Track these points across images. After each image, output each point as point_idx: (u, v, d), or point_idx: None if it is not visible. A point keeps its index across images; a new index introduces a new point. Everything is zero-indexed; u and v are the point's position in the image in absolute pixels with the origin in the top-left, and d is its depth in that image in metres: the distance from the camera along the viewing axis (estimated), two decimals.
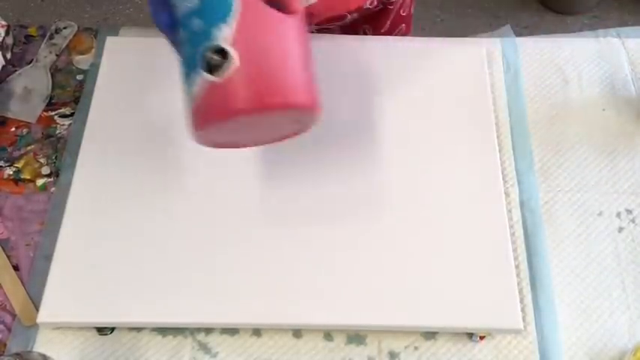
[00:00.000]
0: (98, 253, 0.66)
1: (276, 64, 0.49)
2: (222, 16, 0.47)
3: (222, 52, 0.47)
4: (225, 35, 0.47)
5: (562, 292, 0.66)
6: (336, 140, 0.71)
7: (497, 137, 0.74)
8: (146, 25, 0.76)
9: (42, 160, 0.74)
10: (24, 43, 0.84)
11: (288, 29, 0.51)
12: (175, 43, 0.52)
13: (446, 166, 0.71)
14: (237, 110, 0.48)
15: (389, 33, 0.89)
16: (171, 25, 0.52)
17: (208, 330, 0.64)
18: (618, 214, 0.71)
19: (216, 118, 0.49)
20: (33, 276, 0.67)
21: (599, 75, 0.81)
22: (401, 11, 0.89)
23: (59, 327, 0.64)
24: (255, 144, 0.60)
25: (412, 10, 0.92)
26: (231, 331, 0.64)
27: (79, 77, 0.81)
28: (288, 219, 0.67)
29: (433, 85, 0.76)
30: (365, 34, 0.89)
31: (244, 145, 0.59)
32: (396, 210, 0.68)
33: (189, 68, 0.49)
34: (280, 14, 0.50)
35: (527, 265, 0.67)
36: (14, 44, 0.83)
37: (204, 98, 0.48)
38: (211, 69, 0.47)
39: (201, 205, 0.68)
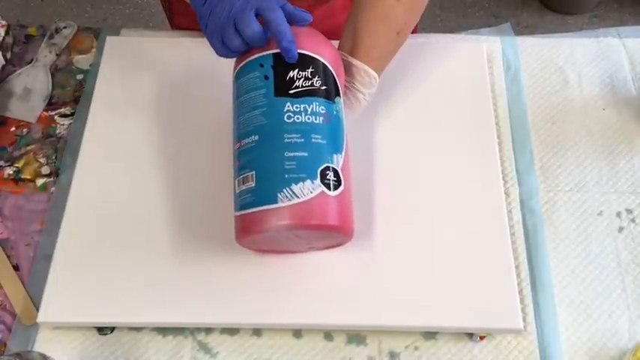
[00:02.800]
0: (98, 253, 0.66)
1: (350, 198, 0.60)
2: (340, 147, 0.59)
3: (337, 175, 0.57)
4: (340, 163, 0.58)
5: (562, 292, 0.66)
6: None
7: (498, 137, 0.74)
8: (146, 25, 0.76)
9: (42, 160, 0.74)
10: (24, 42, 0.84)
11: (349, 167, 0.61)
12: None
13: (446, 165, 0.71)
14: (338, 225, 0.57)
15: None
16: None
17: (208, 330, 0.64)
18: (618, 214, 0.71)
19: (320, 223, 0.57)
20: (33, 276, 0.67)
21: (599, 75, 0.81)
22: None
23: (59, 327, 0.64)
24: (286, 252, 0.65)
25: None
26: (231, 331, 0.64)
27: (79, 77, 0.81)
28: None
29: (433, 85, 0.76)
30: None
31: (277, 251, 0.65)
32: (396, 210, 0.68)
33: (304, 172, 0.56)
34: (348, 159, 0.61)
35: (528, 265, 0.67)
36: (14, 44, 0.83)
37: (311, 203, 0.56)
38: (326, 183, 0.57)
39: (201, 205, 0.68)
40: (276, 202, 0.55)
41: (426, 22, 1.86)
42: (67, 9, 1.92)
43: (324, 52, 0.61)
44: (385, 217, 0.67)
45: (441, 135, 0.72)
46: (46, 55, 0.82)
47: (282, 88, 0.58)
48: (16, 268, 0.68)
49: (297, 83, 0.58)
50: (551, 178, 0.73)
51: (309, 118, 0.57)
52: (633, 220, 0.71)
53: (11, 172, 0.74)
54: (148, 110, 0.75)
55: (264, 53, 0.59)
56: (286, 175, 0.56)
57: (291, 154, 0.56)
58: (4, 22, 0.83)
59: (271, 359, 0.63)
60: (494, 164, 0.71)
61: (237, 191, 0.58)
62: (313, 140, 0.57)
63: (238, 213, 0.58)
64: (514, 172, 0.73)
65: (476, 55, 0.78)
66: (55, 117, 0.78)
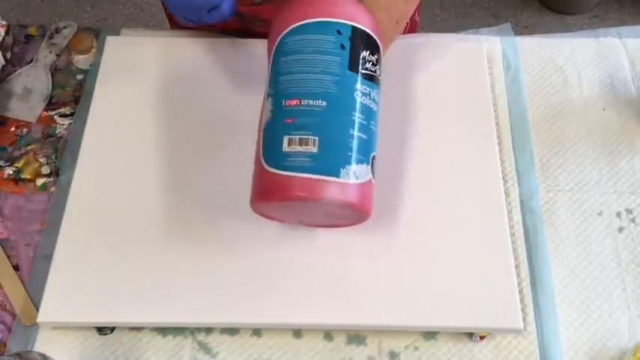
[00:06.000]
0: (98, 253, 0.66)
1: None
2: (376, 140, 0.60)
3: (373, 165, 0.59)
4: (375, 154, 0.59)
5: (562, 292, 0.66)
6: None
7: (498, 137, 0.74)
8: (146, 25, 0.76)
9: (42, 160, 0.74)
10: (24, 42, 0.84)
11: None
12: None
13: (446, 165, 0.70)
14: (365, 209, 0.58)
15: None
16: None
17: (208, 330, 0.64)
18: (618, 214, 0.71)
19: (357, 206, 0.57)
20: (33, 276, 0.67)
21: (599, 75, 0.81)
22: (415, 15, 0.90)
23: (59, 327, 0.64)
24: (296, 222, 0.66)
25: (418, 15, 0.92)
26: (231, 331, 0.64)
27: (79, 77, 0.81)
28: None
29: (433, 85, 0.76)
30: None
31: (284, 221, 0.65)
32: (396, 210, 0.68)
33: (362, 155, 0.57)
34: None
35: (528, 265, 0.67)
36: (14, 44, 0.83)
37: (362, 187, 0.57)
38: (372, 170, 0.59)
39: (201, 205, 0.68)
40: (338, 176, 0.55)
41: (426, 22, 1.87)
42: (67, 9, 1.92)
43: (380, 42, 0.61)
44: (385, 216, 0.67)
45: (441, 135, 0.72)
46: (46, 55, 0.82)
47: (355, 64, 0.58)
48: (16, 268, 0.68)
49: (366, 65, 0.59)
50: (551, 178, 0.73)
51: (371, 103, 0.58)
52: (633, 220, 0.71)
53: (11, 172, 0.74)
54: (148, 110, 0.75)
55: (341, 21, 0.59)
56: (350, 153, 0.56)
57: (357, 133, 0.57)
58: (4, 22, 0.83)
59: (271, 359, 0.63)
60: (494, 164, 0.71)
61: (289, 150, 0.55)
62: (371, 126, 0.58)
63: (286, 173, 0.55)
64: (514, 172, 0.73)
65: (476, 55, 0.78)
66: (55, 117, 0.78)
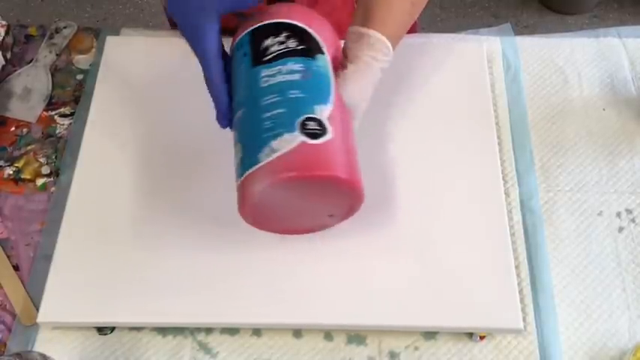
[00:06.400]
0: (98, 253, 0.66)
1: (349, 155, 0.57)
2: (324, 99, 0.57)
3: (320, 125, 0.55)
4: (325, 114, 0.56)
5: (562, 292, 0.66)
6: None
7: (498, 137, 0.74)
8: (146, 25, 0.75)
9: (42, 160, 0.74)
10: (24, 42, 0.84)
11: (352, 132, 0.60)
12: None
13: (446, 165, 0.71)
14: (325, 172, 0.55)
15: None
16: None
17: (208, 330, 0.64)
18: (618, 214, 0.71)
19: (301, 173, 0.54)
20: (33, 276, 0.67)
21: (599, 75, 0.81)
22: None
23: (59, 327, 0.64)
24: (287, 229, 0.65)
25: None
26: (231, 331, 0.64)
27: (79, 77, 0.81)
28: None
29: (433, 85, 0.76)
30: None
31: (276, 227, 0.64)
32: (396, 210, 0.68)
33: (281, 127, 0.55)
34: (349, 118, 0.60)
35: (528, 265, 0.67)
36: (14, 44, 0.83)
37: (295, 155, 0.54)
38: (307, 133, 0.54)
39: (202, 205, 0.68)
40: (257, 162, 0.54)
41: (426, 22, 1.87)
42: (67, 9, 1.92)
43: (298, 17, 0.60)
44: (385, 216, 0.67)
45: (441, 135, 0.72)
46: (46, 55, 0.82)
47: (258, 58, 0.58)
48: (16, 268, 0.68)
49: (271, 49, 0.58)
50: (551, 178, 0.73)
51: (284, 77, 0.57)
52: (633, 220, 0.71)
53: (11, 172, 0.74)
54: (148, 110, 0.75)
55: (242, 34, 0.60)
56: (264, 135, 0.55)
57: (269, 114, 0.55)
58: (4, 22, 0.83)
59: (271, 359, 0.63)
60: (494, 164, 0.71)
61: (234, 168, 0.58)
62: (291, 96, 0.56)
63: (238, 182, 0.57)
64: (514, 172, 0.73)
65: (476, 55, 0.78)
66: (55, 117, 0.78)
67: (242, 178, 0.56)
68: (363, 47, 0.62)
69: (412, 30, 0.91)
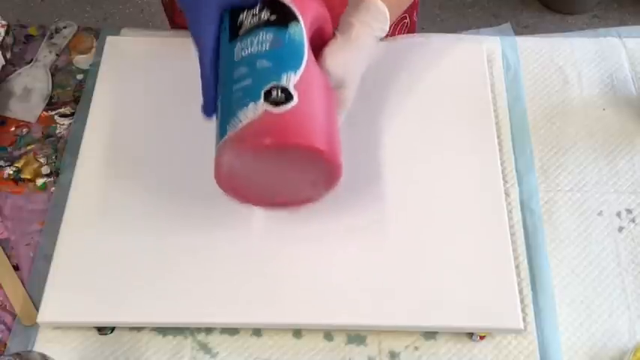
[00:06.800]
0: (98, 253, 0.66)
1: (322, 121, 0.56)
2: (294, 67, 0.55)
3: (286, 93, 0.54)
4: (292, 82, 0.54)
5: (562, 292, 0.66)
6: None
7: (497, 137, 0.73)
8: (146, 25, 0.75)
9: (42, 160, 0.74)
10: (24, 42, 0.84)
11: (331, 103, 0.59)
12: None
13: (446, 165, 0.70)
14: (290, 141, 0.54)
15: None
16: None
17: (208, 330, 0.64)
18: (618, 214, 0.71)
19: (267, 142, 0.54)
20: (33, 276, 0.67)
21: (599, 75, 0.81)
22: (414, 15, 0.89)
23: (59, 327, 0.64)
24: (269, 201, 0.64)
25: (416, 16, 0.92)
26: (231, 331, 0.64)
27: (79, 77, 0.81)
28: (288, 218, 0.67)
29: (433, 85, 0.76)
30: None
31: (258, 200, 0.63)
32: (396, 210, 0.68)
33: (248, 97, 0.54)
34: (330, 91, 0.59)
35: (528, 265, 0.67)
36: (14, 44, 0.83)
37: (258, 123, 0.53)
38: (272, 101, 0.54)
39: (202, 205, 0.68)
40: (225, 133, 0.55)
41: (426, 22, 1.87)
42: (67, 9, 1.93)
43: None
44: (385, 216, 0.67)
45: (441, 135, 0.72)
46: (46, 55, 0.82)
47: (234, 32, 0.58)
48: (16, 268, 0.68)
49: (245, 23, 0.57)
50: (551, 178, 0.73)
51: (254, 49, 0.56)
52: (633, 220, 0.71)
53: (11, 172, 0.74)
54: (148, 110, 0.75)
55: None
56: (234, 106, 0.55)
57: (238, 85, 0.55)
58: (4, 22, 0.83)
59: (271, 359, 0.63)
60: (494, 164, 0.71)
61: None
62: (258, 66, 0.55)
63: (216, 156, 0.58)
64: (514, 172, 0.73)
65: (476, 55, 0.78)
66: (55, 117, 0.78)
67: (215, 154, 0.57)
68: (358, 12, 0.60)
69: (412, 30, 0.91)
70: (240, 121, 0.54)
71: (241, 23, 0.57)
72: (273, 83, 0.54)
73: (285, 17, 0.58)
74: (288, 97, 0.54)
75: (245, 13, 0.58)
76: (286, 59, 0.56)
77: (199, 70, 0.59)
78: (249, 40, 0.56)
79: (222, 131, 0.56)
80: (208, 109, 0.59)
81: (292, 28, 0.57)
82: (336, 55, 0.59)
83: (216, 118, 0.58)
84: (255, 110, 0.53)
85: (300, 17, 0.58)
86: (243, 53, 0.56)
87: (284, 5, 0.58)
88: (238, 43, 0.57)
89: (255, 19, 0.57)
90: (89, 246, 0.66)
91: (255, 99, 0.54)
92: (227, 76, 0.57)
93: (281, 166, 0.57)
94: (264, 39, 0.56)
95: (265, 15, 0.57)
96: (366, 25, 0.60)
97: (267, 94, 0.54)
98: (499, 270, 0.64)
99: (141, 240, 0.66)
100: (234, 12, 0.58)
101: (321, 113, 0.57)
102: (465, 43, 0.81)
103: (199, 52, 0.58)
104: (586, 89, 0.79)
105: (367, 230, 0.66)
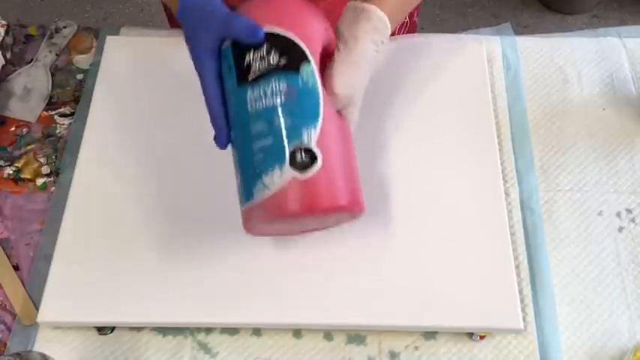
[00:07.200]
0: (98, 253, 0.66)
1: (344, 170, 0.56)
2: (313, 120, 0.54)
3: (310, 154, 0.53)
4: (314, 139, 0.53)
5: (562, 292, 0.66)
6: None
7: (497, 137, 0.74)
8: (146, 25, 0.75)
9: (42, 160, 0.74)
10: (24, 42, 0.84)
11: (347, 134, 0.58)
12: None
13: (446, 165, 0.71)
14: (320, 207, 0.54)
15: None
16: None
17: (208, 330, 0.64)
18: (618, 214, 0.71)
19: (297, 212, 0.53)
20: (33, 276, 0.67)
21: (599, 75, 0.81)
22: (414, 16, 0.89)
23: (59, 327, 0.64)
24: (295, 234, 0.65)
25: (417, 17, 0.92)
26: (231, 331, 0.64)
27: (79, 77, 0.81)
28: None
29: (433, 85, 0.76)
30: None
31: (286, 234, 0.64)
32: (396, 210, 0.68)
33: (271, 159, 0.53)
34: (341, 121, 0.57)
35: (528, 265, 0.67)
36: (14, 44, 0.83)
37: (285, 193, 0.53)
38: (297, 166, 0.53)
39: (202, 205, 0.68)
40: (252, 197, 0.54)
41: (426, 22, 1.87)
42: (67, 9, 1.93)
43: (277, 18, 0.56)
44: (385, 216, 0.67)
45: (441, 135, 0.72)
46: (46, 55, 0.82)
47: (242, 76, 0.55)
48: (16, 268, 0.68)
49: (253, 67, 0.55)
50: (551, 178, 0.73)
51: (269, 101, 0.54)
52: (633, 220, 0.71)
53: (11, 171, 0.74)
54: (148, 110, 0.75)
55: (226, 45, 0.56)
56: (257, 169, 0.54)
57: (259, 144, 0.54)
58: (4, 22, 0.83)
59: (271, 359, 0.63)
60: (494, 164, 0.71)
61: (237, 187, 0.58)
62: (276, 124, 0.53)
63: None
64: (514, 172, 0.73)
65: (476, 55, 0.78)
66: (55, 117, 0.78)
67: (242, 208, 0.56)
68: (359, 23, 0.59)
69: (412, 30, 0.91)
70: (267, 187, 0.53)
71: (248, 65, 0.55)
72: (295, 144, 0.53)
73: (295, 59, 0.55)
74: (312, 158, 0.53)
75: (252, 53, 0.55)
76: (303, 110, 0.55)
77: (205, 102, 0.58)
78: (261, 90, 0.54)
79: (247, 193, 0.55)
80: (221, 140, 0.58)
81: (304, 71, 0.55)
82: (344, 76, 0.57)
83: (235, 162, 0.57)
84: (281, 176, 0.52)
85: (310, 56, 0.56)
86: (257, 105, 0.54)
87: (293, 44, 0.55)
88: (249, 91, 0.55)
89: (265, 64, 0.54)
90: (89, 246, 0.66)
91: (280, 163, 0.53)
92: (242, 128, 0.55)
93: (308, 220, 0.58)
94: (278, 89, 0.54)
95: (274, 59, 0.55)
96: (369, 36, 0.59)
97: (292, 156, 0.53)
98: (499, 270, 0.64)
99: (141, 240, 0.66)
100: (236, 49, 0.56)
101: (343, 162, 0.56)
102: (465, 43, 0.81)
103: (203, 87, 0.57)
104: (586, 89, 0.79)
105: (367, 230, 0.66)
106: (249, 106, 0.55)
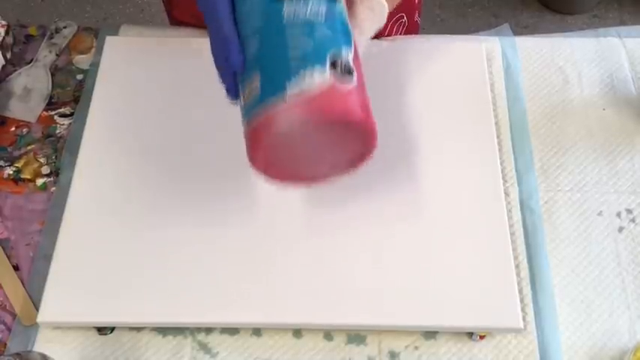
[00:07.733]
0: (98, 253, 0.66)
1: (365, 92, 0.56)
2: (348, 40, 0.55)
3: (348, 68, 0.53)
4: (351, 58, 0.53)
5: (562, 291, 0.66)
6: None
7: (497, 137, 0.74)
8: (146, 24, 0.75)
9: (42, 160, 0.74)
10: (24, 42, 0.84)
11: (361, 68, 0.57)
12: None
13: (446, 165, 0.71)
14: (356, 115, 0.53)
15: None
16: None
17: (208, 330, 0.64)
18: (618, 214, 0.71)
19: (334, 115, 0.52)
20: (33, 276, 0.67)
21: (599, 75, 0.81)
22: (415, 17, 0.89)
23: (59, 327, 0.64)
24: (298, 176, 0.61)
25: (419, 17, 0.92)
26: (231, 331, 0.64)
27: (79, 77, 0.81)
28: (288, 219, 0.67)
29: (432, 85, 0.76)
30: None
31: (288, 175, 0.60)
32: (396, 210, 0.68)
33: (312, 59, 0.52)
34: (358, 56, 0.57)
35: (528, 265, 0.67)
36: (14, 44, 0.83)
37: (326, 96, 0.51)
38: (337, 74, 0.52)
39: (202, 205, 0.68)
40: (284, 89, 0.51)
41: (426, 22, 1.87)
42: (67, 9, 1.93)
43: None
44: (385, 216, 0.67)
45: (441, 135, 0.72)
46: (46, 55, 0.82)
47: None
48: (16, 268, 0.68)
49: None
50: (551, 178, 0.73)
51: (311, 16, 0.53)
52: (633, 220, 0.71)
53: (11, 172, 0.74)
54: (148, 110, 0.75)
55: None
56: (292, 63, 0.52)
57: (295, 44, 0.52)
58: (4, 22, 0.83)
59: (271, 359, 0.63)
60: (494, 164, 0.71)
61: (244, 102, 0.54)
62: (317, 34, 0.53)
63: (246, 126, 0.54)
64: (513, 172, 0.73)
65: (475, 55, 0.78)
66: (55, 117, 0.78)
67: (260, 110, 0.52)
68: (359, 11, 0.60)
69: (414, 31, 0.91)
70: (305, 84, 0.51)
71: None
72: (336, 55, 0.52)
73: None
74: (350, 72, 0.52)
75: None
76: (341, 33, 0.54)
77: (213, 31, 0.55)
78: (301, 4, 0.53)
79: (277, 86, 0.51)
80: (235, 61, 0.54)
81: (339, 5, 0.56)
82: (362, 20, 0.59)
83: (251, 71, 0.54)
84: (322, 79, 0.51)
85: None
86: (296, 17, 0.53)
87: None
88: (286, 5, 0.53)
89: None
90: (89, 246, 0.66)
91: (321, 64, 0.51)
92: (275, 33, 0.53)
93: (323, 138, 0.55)
94: (318, 10, 0.54)
95: None
96: (366, 17, 0.61)
97: (333, 64, 0.52)
98: (499, 269, 0.64)
99: (141, 240, 0.66)
100: None
101: (364, 90, 0.56)
102: (464, 43, 0.81)
103: (212, 8, 0.54)
104: (586, 89, 0.80)
105: (367, 230, 0.66)
106: (285, 19, 0.53)
